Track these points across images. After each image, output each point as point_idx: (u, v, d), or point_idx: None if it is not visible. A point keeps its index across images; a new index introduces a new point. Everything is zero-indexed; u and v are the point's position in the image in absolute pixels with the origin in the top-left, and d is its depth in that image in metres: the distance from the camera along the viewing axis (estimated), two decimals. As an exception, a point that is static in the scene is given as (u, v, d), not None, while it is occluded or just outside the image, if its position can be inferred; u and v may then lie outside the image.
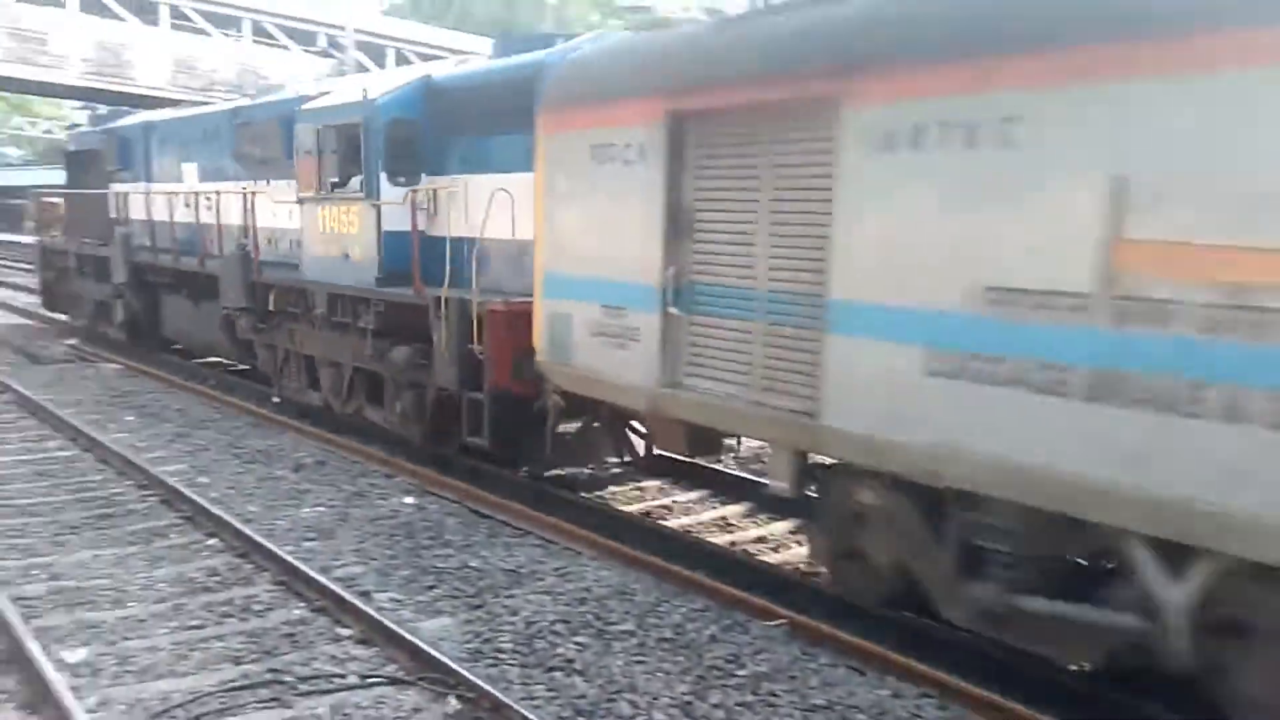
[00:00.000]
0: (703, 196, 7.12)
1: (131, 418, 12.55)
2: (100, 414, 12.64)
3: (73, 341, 18.35)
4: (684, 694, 5.61)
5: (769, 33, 6.67)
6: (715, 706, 5.48)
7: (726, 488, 9.82)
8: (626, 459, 9.96)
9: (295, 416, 12.40)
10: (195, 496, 8.86)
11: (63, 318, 20.12)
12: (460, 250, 9.45)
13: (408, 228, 9.98)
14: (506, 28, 48.72)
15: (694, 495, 9.80)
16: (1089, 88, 4.78)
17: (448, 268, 9.32)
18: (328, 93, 11.84)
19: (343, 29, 34.37)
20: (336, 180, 10.91)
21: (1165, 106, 4.54)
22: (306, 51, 41.94)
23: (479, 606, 6.88)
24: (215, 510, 8.49)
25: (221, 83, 39.16)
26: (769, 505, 9.21)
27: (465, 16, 56.05)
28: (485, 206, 9.21)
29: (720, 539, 8.56)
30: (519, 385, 9.03)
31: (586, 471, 10.35)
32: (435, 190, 10.25)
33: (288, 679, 5.72)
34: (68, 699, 5.16)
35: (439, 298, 9.52)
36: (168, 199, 15.37)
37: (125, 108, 28.36)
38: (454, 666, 5.70)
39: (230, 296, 13.23)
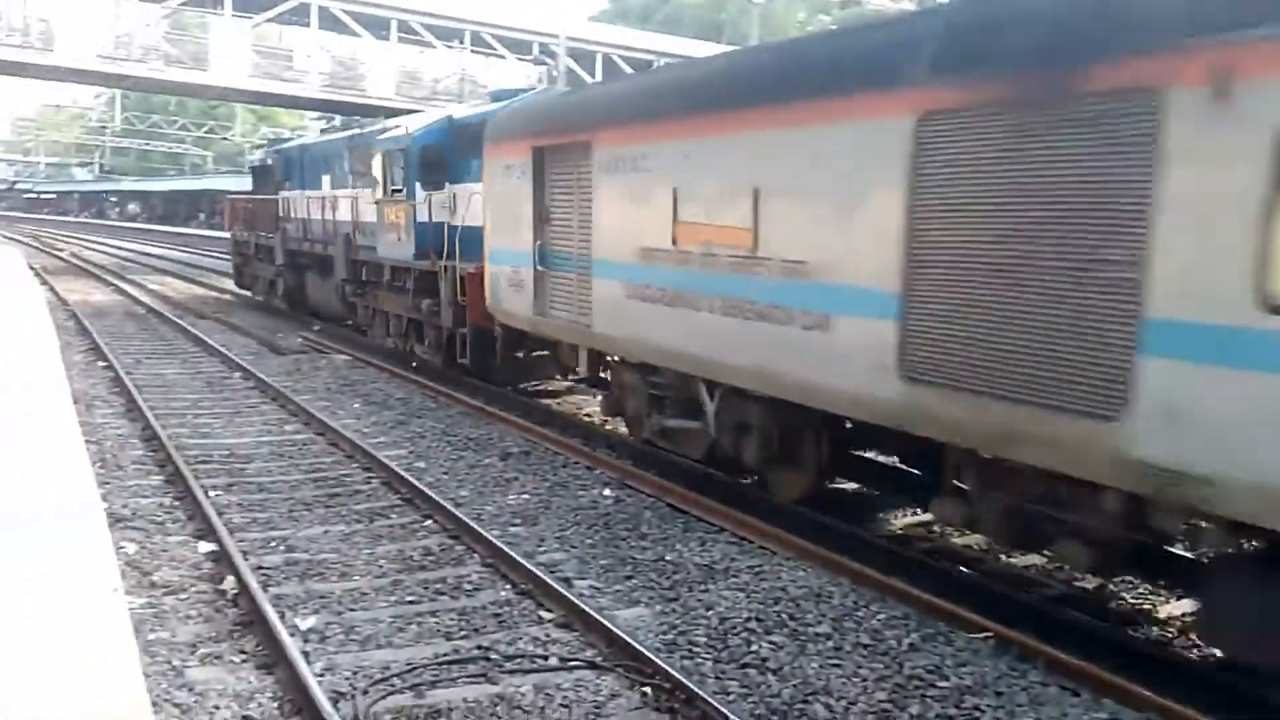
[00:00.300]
0: (551, 199, 11.30)
1: (358, 405, 13.48)
2: (330, 401, 13.64)
3: (309, 334, 19.91)
4: (881, 701, 5.48)
5: (571, 103, 12.13)
6: (915, 717, 5.31)
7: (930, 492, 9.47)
8: (570, 377, 14.08)
9: (502, 408, 12.95)
10: (413, 480, 9.40)
11: (246, 293, 26.21)
12: (455, 234, 14.02)
13: (435, 219, 14.69)
14: (714, 29, 48.99)
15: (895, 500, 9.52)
16: (662, 142, 9.14)
17: (448, 246, 14.12)
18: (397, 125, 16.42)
19: (555, 37, 35.51)
20: (396, 187, 15.59)
21: (700, 152, 8.69)
22: (520, 60, 43.67)
23: (674, 599, 6.96)
24: (431, 494, 8.98)
25: (443, 92, 41.39)
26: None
27: (674, 20, 56.77)
28: (467, 205, 13.81)
29: (922, 546, 8.28)
30: (487, 322, 13.40)
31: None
32: (454, 194, 14.46)
33: (494, 656, 5.99)
34: (300, 663, 5.58)
35: (443, 265, 14.24)
36: (309, 202, 20.72)
37: (357, 117, 30.43)
38: (650, 656, 5.79)
39: (339, 271, 18.67)
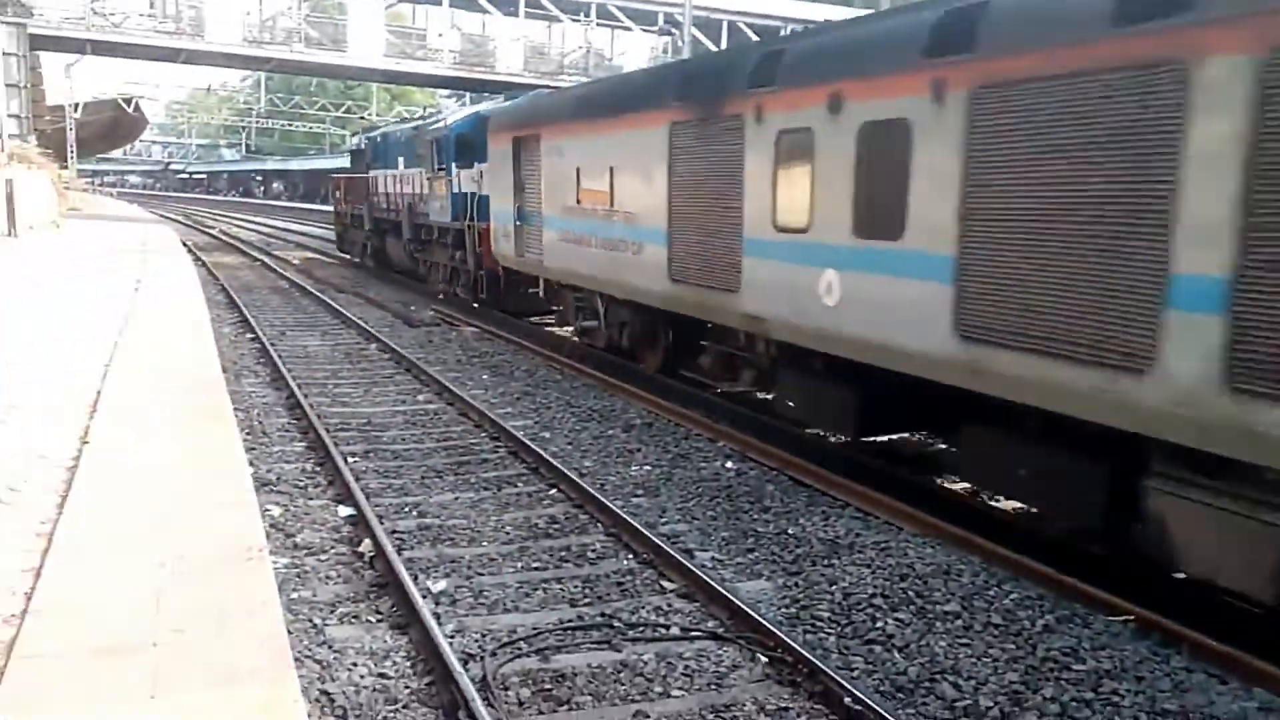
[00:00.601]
0: (525, 172, 15.39)
1: (486, 376, 13.80)
2: (460, 372, 14.01)
3: (439, 307, 20.50)
4: (1013, 683, 5.31)
5: (533, 107, 15.95)
6: (1049, 700, 5.13)
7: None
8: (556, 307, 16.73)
9: (624, 379, 13.05)
10: (539, 450, 9.58)
11: (346, 256, 32.34)
12: (478, 200, 18.52)
13: (466, 190, 19.32)
14: (840, -7, 47.68)
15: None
16: (573, 137, 13.56)
17: (473, 210, 18.73)
18: (443, 118, 22.81)
19: (680, 7, 35.23)
20: (441, 166, 20.38)
21: (589, 144, 13.18)
22: (645, 31, 43.57)
23: (797, 573, 6.89)
24: (555, 463, 9.14)
25: (570, 66, 41.72)
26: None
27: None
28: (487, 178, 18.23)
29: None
30: (496, 266, 17.92)
31: (906, 445, 10.08)
32: (480, 170, 18.51)
33: (617, 624, 6.06)
34: (432, 625, 5.77)
35: (467, 225, 19.09)
36: (388, 179, 25.45)
37: (486, 93, 30.90)
38: (773, 629, 5.75)
39: (405, 233, 23.70)
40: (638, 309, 12.71)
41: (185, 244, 32.15)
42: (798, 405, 9.70)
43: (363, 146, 29.03)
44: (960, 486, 8.90)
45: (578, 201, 13.47)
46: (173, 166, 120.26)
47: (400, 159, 24.24)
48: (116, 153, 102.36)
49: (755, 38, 38.03)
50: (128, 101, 55.78)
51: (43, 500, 6.00)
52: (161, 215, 58.67)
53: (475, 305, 19.67)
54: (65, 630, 4.25)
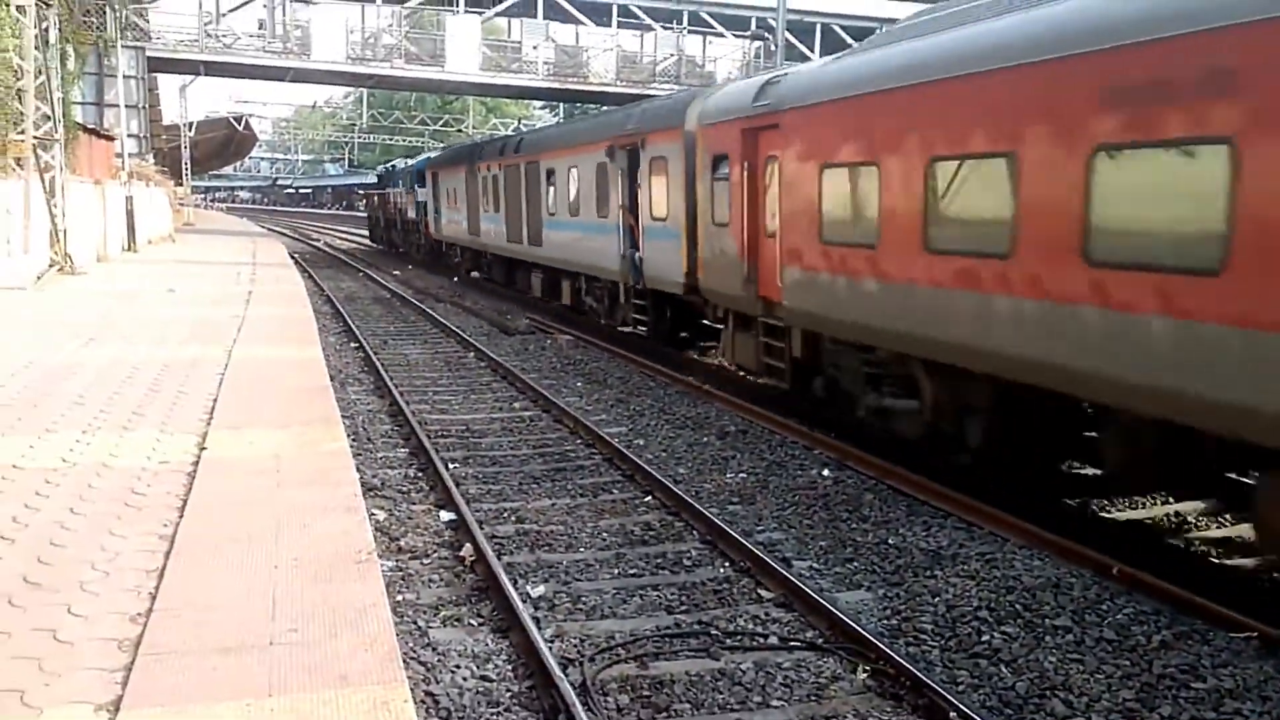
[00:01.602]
0: (436, 191, 33.18)
1: (580, 383, 13.94)
2: (555, 379, 14.17)
3: (535, 315, 20.80)
4: (1127, 700, 5.12)
5: (435, 159, 35.85)
6: (1166, 719, 4.93)
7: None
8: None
9: (718, 386, 13.00)
10: (633, 457, 9.63)
11: (378, 245, 47.73)
12: (428, 207, 34.66)
13: (421, 201, 36.76)
14: (936, -8, 46.81)
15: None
16: (447, 174, 31.86)
17: (426, 214, 35.33)
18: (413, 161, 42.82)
19: (773, 11, 35.06)
20: (410, 187, 38.10)
21: (457, 176, 30.19)
22: (738, 36, 43.46)
23: (898, 584, 6.78)
24: (650, 470, 9.17)
25: (662, 74, 41.85)
26: (1238, 503, 8.10)
27: (893, -15, 54.65)
28: (429, 196, 34.84)
29: (1175, 539, 7.67)
30: (434, 238, 34.95)
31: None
32: (428, 192, 34.66)
33: (715, 632, 6.05)
34: (532, 629, 5.84)
35: (423, 219, 36.34)
36: (394, 195, 42.84)
37: (579, 103, 31.11)
38: (874, 641, 5.67)
39: (398, 224, 42.07)
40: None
41: (293, 256, 33.29)
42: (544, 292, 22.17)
43: (381, 174, 50.23)
44: (1073, 499, 8.63)
45: (451, 204, 30.55)
46: (280, 182, 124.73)
47: (400, 182, 41.14)
48: (227, 169, 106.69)
49: (850, 40, 37.57)
50: (238, 120, 58.11)
51: (164, 504, 6.28)
52: (269, 229, 60.86)
53: (415, 252, 38.52)
54: (188, 629, 4.44)
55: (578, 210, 18.64)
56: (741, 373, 13.68)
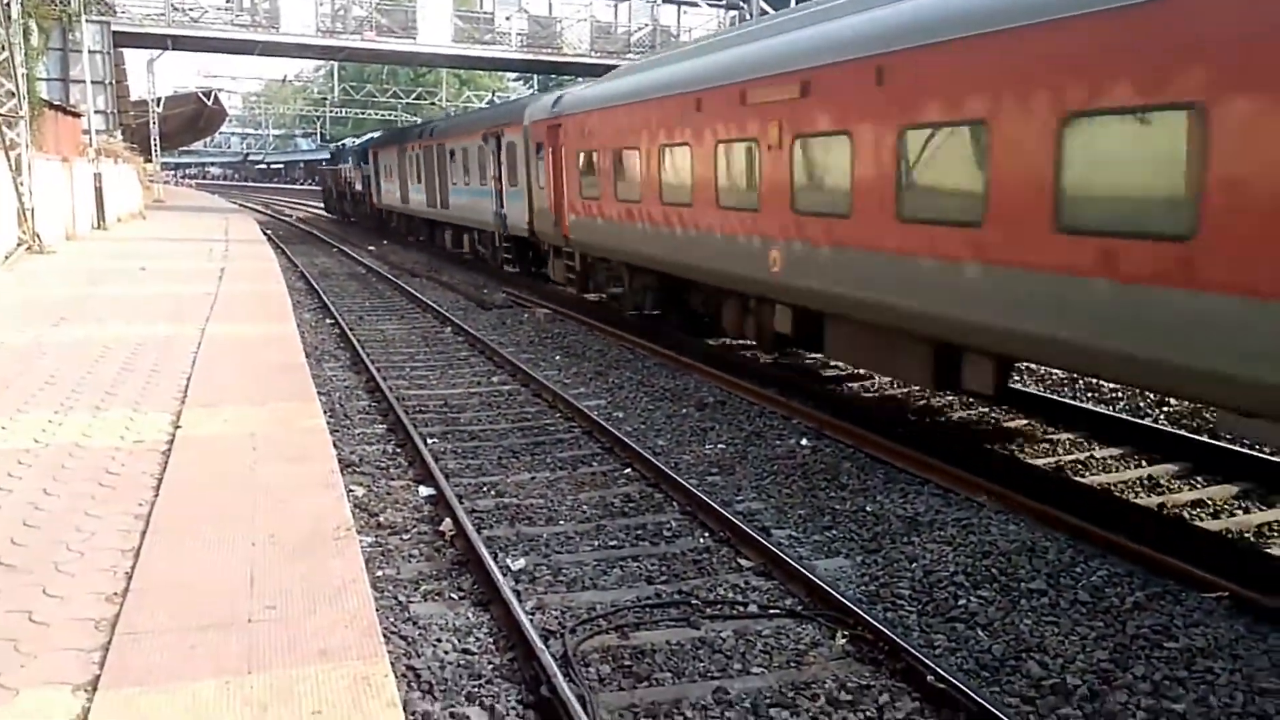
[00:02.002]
0: (376, 167, 37.99)
1: (559, 357, 13.91)
2: (533, 353, 14.14)
3: (511, 289, 20.71)
4: (1102, 661, 5.20)
5: (375, 139, 40.94)
6: (1140, 679, 5.01)
7: (1154, 445, 8.89)
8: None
9: (699, 359, 13.02)
10: (612, 429, 9.63)
11: (331, 215, 51.27)
12: (369, 180, 39.97)
13: (365, 175, 41.83)
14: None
15: (1115, 452, 8.98)
16: (385, 153, 36.22)
17: (366, 185, 40.85)
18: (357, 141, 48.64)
19: (746, -21, 34.88)
20: (358, 163, 42.57)
21: (393, 155, 34.79)
22: (712, 5, 43.14)
23: (875, 551, 6.83)
24: (630, 442, 9.18)
25: (637, 44, 41.53)
26: (1209, 466, 8.21)
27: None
28: (371, 170, 40.67)
29: (1147, 500, 7.77)
30: (378, 207, 39.79)
31: (992, 422, 9.92)
32: (371, 167, 40.02)
33: (695, 602, 6.08)
34: (513, 602, 5.86)
35: (367, 190, 41.06)
36: (343, 169, 46.46)
37: (554, 76, 30.95)
38: (852, 607, 5.72)
39: (349, 195, 45.42)
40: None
41: (266, 233, 32.94)
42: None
43: (333, 152, 55.52)
44: (1044, 463, 8.73)
45: (388, 178, 34.99)
46: (251, 158, 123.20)
47: (349, 159, 44.95)
48: (197, 145, 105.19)
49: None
50: (207, 95, 57.20)
51: (140, 483, 6.23)
52: (241, 204, 60.18)
53: (364, 220, 42.72)
54: (165, 608, 4.42)
55: (468, 181, 24.54)
56: (555, 284, 19.47)
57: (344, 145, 50.83)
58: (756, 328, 11.88)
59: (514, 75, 69.42)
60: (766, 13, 37.42)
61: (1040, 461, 8.78)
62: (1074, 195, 6.62)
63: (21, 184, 20.40)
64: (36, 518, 5.60)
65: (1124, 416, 9.40)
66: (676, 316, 14.69)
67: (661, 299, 14.77)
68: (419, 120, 51.43)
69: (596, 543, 7.15)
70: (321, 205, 57.58)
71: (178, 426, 7.54)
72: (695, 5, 43.54)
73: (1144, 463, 8.68)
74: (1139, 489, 8.12)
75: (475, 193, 23.94)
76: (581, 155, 16.30)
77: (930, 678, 4.94)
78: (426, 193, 29.43)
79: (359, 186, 42.36)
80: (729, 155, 11.47)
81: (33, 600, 4.53)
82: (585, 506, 7.87)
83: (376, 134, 44.07)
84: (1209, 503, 7.70)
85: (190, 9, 37.96)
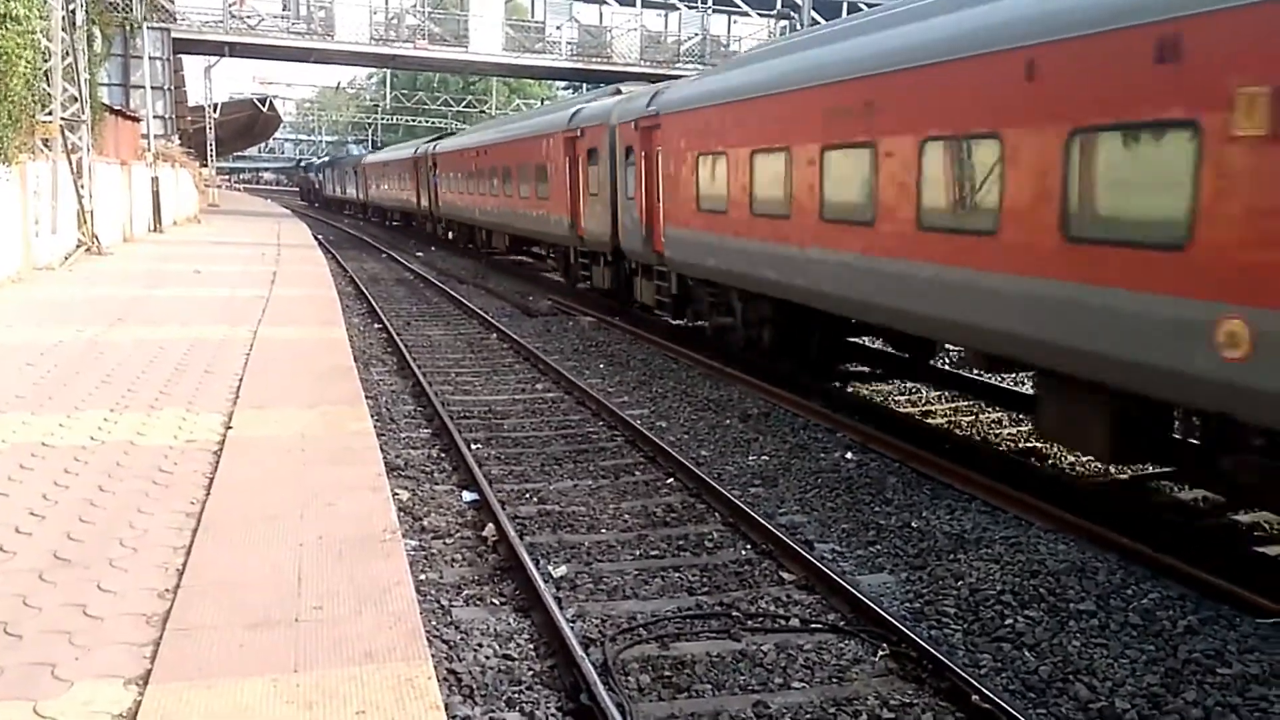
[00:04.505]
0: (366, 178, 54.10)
1: (603, 365, 13.94)
2: (577, 361, 14.18)
3: (557, 297, 20.81)
4: (1152, 685, 5.09)
5: (362, 155, 64.04)
6: (1190, 704, 4.90)
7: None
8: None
9: (743, 370, 12.98)
10: (655, 439, 9.63)
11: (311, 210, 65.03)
12: (351, 187, 63.49)
13: (338, 183, 70.14)
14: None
15: (1167, 471, 8.79)
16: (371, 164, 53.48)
17: (356, 190, 60.57)
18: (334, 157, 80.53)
19: (797, -11, 34.76)
20: (334, 175, 72.01)
21: (380, 162, 51.40)
22: (762, 15, 43.09)
23: (921, 568, 6.76)
24: (673, 452, 9.17)
25: (686, 54, 41.59)
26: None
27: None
28: (351, 178, 64.07)
29: (1201, 523, 7.60)
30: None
31: (1037, 443, 9.77)
32: (349, 175, 63.78)
33: (736, 614, 6.05)
34: (554, 609, 5.87)
35: (354, 198, 62.82)
36: (322, 176, 78.31)
37: (603, 84, 31.14)
38: (897, 624, 5.66)
39: (326, 196, 76.51)
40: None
41: (317, 238, 33.43)
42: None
43: (315, 162, 79.42)
44: (1095, 481, 8.57)
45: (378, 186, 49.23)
46: (303, 164, 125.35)
47: (333, 169, 68.16)
48: (251, 150, 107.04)
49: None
50: (262, 101, 58.25)
51: (192, 482, 6.34)
52: (292, 210, 61.12)
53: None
54: (215, 605, 4.49)
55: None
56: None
57: (331, 160, 78.15)
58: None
59: (563, 84, 69.86)
60: (816, 21, 37.34)
61: (1092, 480, 8.62)
62: None
63: (82, 187, 20.90)
64: (92, 514, 5.72)
65: (1176, 436, 9.19)
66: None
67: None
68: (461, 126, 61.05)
69: (638, 552, 7.15)
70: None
71: (229, 427, 7.67)
72: (746, 15, 43.53)
73: (1189, 486, 8.48)
74: (1192, 510, 7.94)
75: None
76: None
77: (975, 697, 4.87)
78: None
79: (317, 187, 77.34)
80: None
81: (87, 594, 4.63)
82: (627, 515, 7.88)
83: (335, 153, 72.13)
84: (1265, 526, 7.52)
85: (248, 17, 38.72)
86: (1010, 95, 7.55)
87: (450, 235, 35.60)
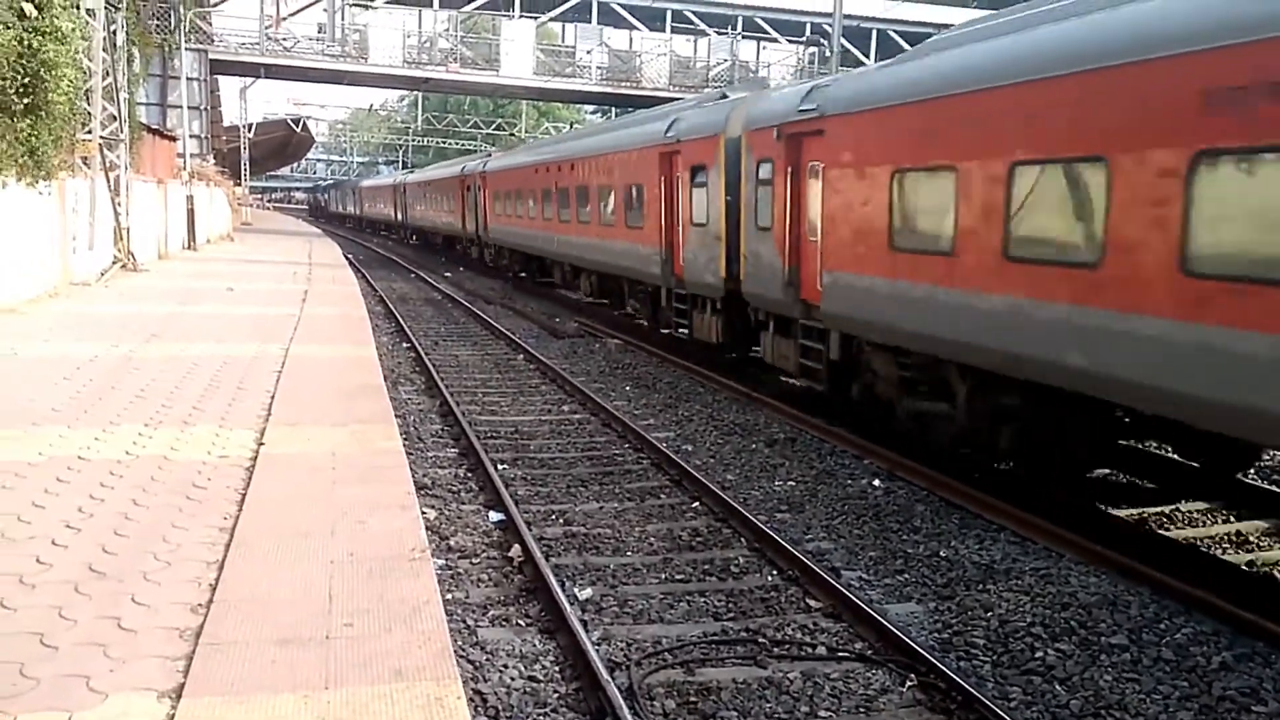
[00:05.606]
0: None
1: (629, 387, 13.96)
2: (603, 383, 14.21)
3: (583, 319, 20.88)
4: (1185, 724, 5.02)
5: (367, 180, 78.15)
6: (1225, 744, 4.83)
7: (1245, 501, 8.58)
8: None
9: (766, 394, 12.95)
10: (681, 462, 9.62)
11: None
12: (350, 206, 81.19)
13: (341, 204, 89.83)
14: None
15: (1201, 506, 8.69)
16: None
17: (356, 206, 78.09)
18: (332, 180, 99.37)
19: (828, 17, 34.87)
20: (337, 197, 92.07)
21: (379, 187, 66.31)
22: (791, 42, 43.29)
23: (949, 597, 6.70)
24: (699, 476, 9.16)
25: (715, 79, 41.82)
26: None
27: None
28: (351, 199, 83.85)
29: (1235, 558, 7.50)
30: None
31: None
32: (349, 198, 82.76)
33: (762, 640, 6.03)
34: (580, 631, 5.87)
35: (356, 214, 78.87)
36: (329, 194, 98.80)
37: (632, 108, 31.28)
38: (925, 654, 5.61)
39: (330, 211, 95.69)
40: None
41: (347, 257, 33.76)
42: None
43: (326, 184, 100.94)
44: (1127, 514, 8.48)
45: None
46: (314, 187, 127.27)
47: (335, 190, 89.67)
48: (284, 170, 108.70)
49: (906, 45, 37.23)
50: (296, 122, 59.07)
51: (224, 498, 6.41)
52: (324, 229, 61.76)
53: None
54: (247, 620, 4.53)
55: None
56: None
57: (335, 183, 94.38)
58: None
59: (591, 108, 70.35)
60: (845, 49, 37.43)
61: (1123, 513, 8.53)
62: None
63: (119, 204, 21.25)
64: (126, 528, 5.79)
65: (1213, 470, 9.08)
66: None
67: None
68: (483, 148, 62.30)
69: (663, 575, 7.14)
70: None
71: (261, 443, 7.75)
72: (774, 41, 43.73)
73: (1232, 518, 8.38)
74: (1227, 545, 7.85)
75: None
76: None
77: (1005, 730, 4.82)
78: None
79: (342, 209, 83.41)
80: None
81: (122, 608, 4.68)
82: (653, 538, 7.87)
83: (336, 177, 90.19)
84: (1302, 562, 7.41)
85: (283, 39, 39.35)
86: None
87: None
